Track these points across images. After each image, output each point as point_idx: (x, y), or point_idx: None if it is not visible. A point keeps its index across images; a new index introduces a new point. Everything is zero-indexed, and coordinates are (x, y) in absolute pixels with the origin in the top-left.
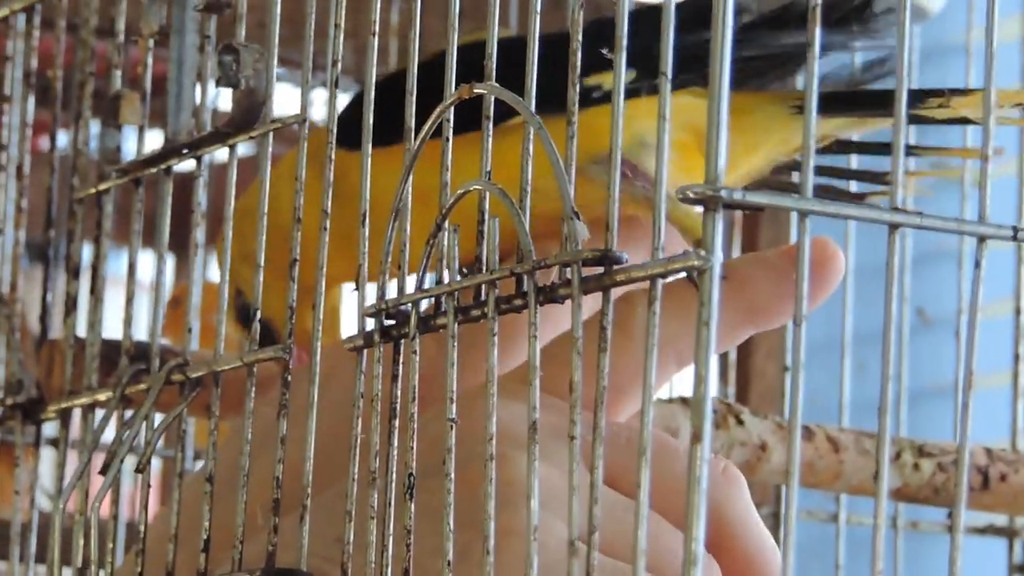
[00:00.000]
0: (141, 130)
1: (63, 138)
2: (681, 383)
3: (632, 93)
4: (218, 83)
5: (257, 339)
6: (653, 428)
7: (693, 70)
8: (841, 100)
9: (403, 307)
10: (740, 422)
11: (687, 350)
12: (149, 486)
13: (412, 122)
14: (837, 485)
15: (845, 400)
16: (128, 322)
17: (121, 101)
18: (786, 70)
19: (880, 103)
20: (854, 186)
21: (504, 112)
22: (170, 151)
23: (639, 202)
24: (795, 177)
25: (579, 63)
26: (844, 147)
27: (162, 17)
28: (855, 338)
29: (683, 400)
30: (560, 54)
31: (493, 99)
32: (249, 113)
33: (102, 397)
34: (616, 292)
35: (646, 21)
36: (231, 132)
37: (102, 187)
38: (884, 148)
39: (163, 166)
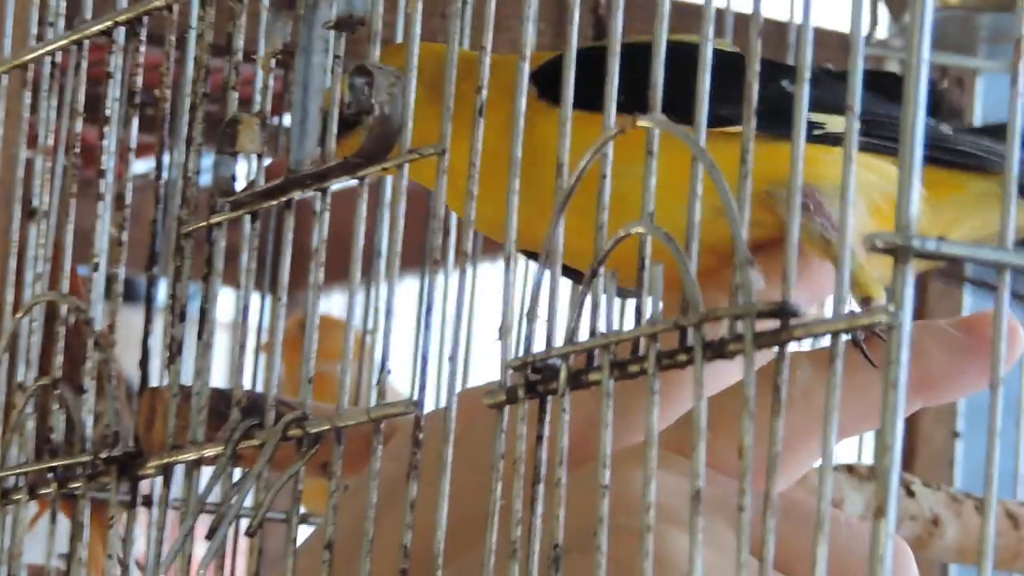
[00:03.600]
0: (259, 158)
1: (169, 164)
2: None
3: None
4: (348, 108)
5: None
6: (809, 497)
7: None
8: None
9: (550, 360)
10: (911, 493)
11: (848, 421)
12: (261, 551)
13: (566, 157)
14: (1017, 565)
15: (1021, 470)
16: (239, 370)
17: (239, 127)
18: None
19: None
20: None
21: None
22: (292, 182)
23: (813, 240)
24: None
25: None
26: None
27: (286, 35)
28: None
29: (848, 468)
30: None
31: (657, 133)
32: (382, 142)
33: (210, 453)
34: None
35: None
36: (362, 162)
37: (214, 220)
38: None
39: (284, 199)
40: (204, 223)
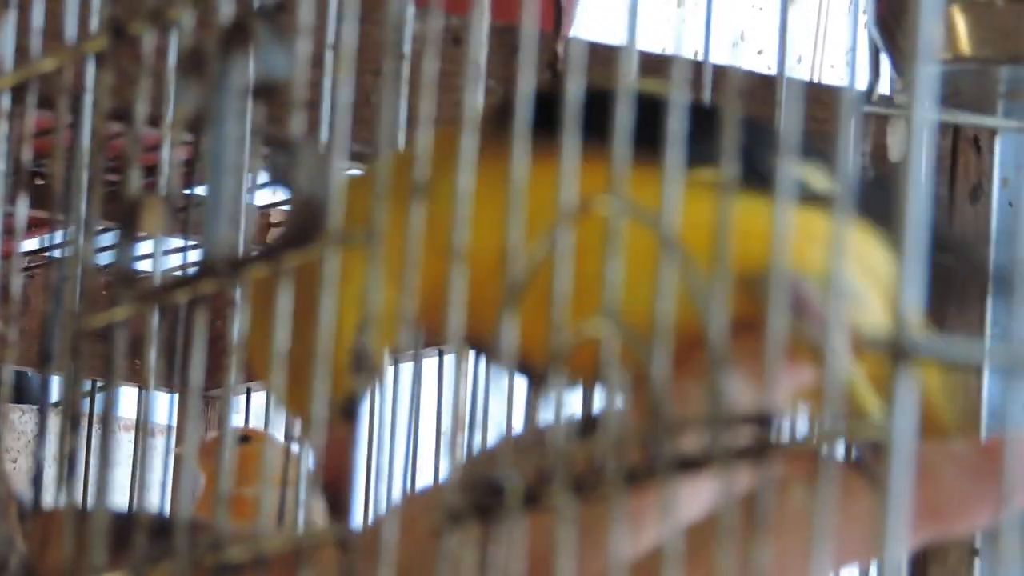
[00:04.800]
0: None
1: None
2: None
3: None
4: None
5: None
6: None
7: None
8: None
9: (500, 477)
10: None
11: (850, 547)
12: None
13: (518, 242)
14: None
15: None
16: (143, 486)
17: (141, 208)
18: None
19: None
20: None
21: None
22: (205, 272)
23: (803, 347)
24: None
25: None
26: None
27: (196, 102)
28: None
29: None
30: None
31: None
32: (307, 226)
33: None
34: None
35: None
36: (283, 249)
37: (115, 317)
38: None
39: (197, 292)
40: (103, 320)
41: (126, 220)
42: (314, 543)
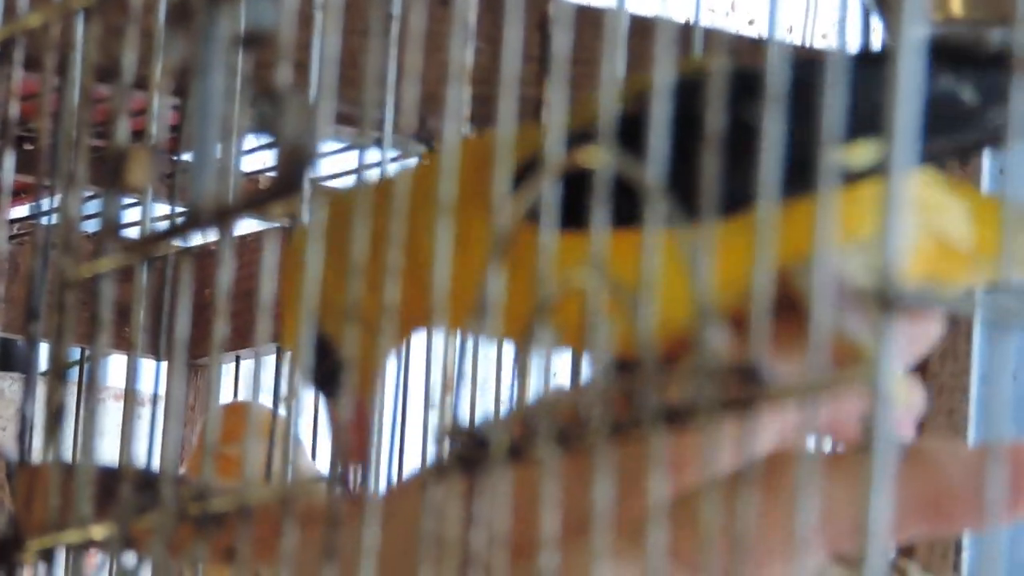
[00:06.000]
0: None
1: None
2: None
3: (869, 173)
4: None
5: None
6: None
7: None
8: None
9: (486, 430)
10: None
11: (849, 532)
12: None
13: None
14: None
15: None
16: (128, 441)
17: (128, 159)
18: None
19: None
20: None
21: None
22: (191, 222)
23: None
24: None
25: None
26: None
27: (184, 54)
28: None
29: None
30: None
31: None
32: (293, 175)
33: (97, 534)
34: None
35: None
36: (268, 198)
37: (101, 268)
38: None
39: (182, 241)
40: (88, 271)
41: (113, 172)
42: (299, 494)
